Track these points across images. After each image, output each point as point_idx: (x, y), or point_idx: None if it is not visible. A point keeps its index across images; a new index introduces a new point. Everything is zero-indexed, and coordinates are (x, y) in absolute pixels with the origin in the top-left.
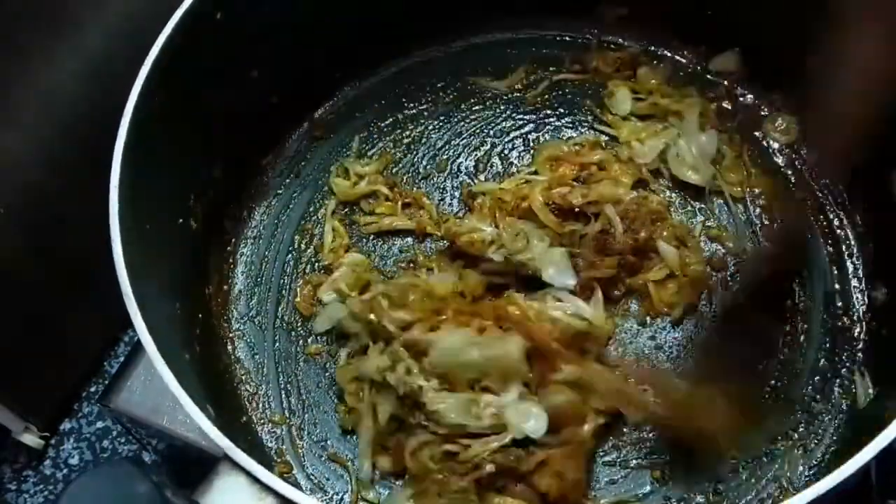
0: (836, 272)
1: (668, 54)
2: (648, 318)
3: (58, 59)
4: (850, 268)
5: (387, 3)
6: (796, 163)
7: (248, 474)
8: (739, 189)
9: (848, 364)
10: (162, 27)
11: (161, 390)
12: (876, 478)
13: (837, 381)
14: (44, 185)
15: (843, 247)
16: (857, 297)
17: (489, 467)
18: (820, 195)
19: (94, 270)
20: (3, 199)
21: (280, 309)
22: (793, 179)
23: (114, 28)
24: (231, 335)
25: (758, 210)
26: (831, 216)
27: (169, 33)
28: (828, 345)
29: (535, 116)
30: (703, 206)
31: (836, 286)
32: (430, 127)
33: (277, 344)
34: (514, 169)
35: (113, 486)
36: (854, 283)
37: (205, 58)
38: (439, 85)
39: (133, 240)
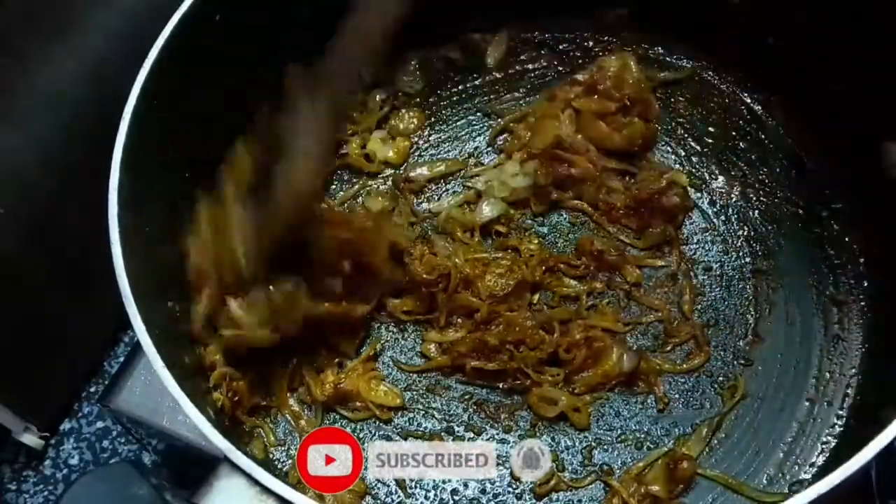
0: (834, 271)
1: (667, 55)
2: None
3: (58, 59)
4: (849, 266)
5: None
6: (795, 162)
7: (248, 476)
8: (739, 187)
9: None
10: (162, 27)
11: (161, 391)
12: (876, 478)
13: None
14: (44, 185)
15: (844, 246)
16: (851, 299)
17: None
18: (819, 194)
19: (94, 270)
20: (3, 199)
21: None
22: (791, 179)
23: (114, 28)
24: None
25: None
26: (831, 214)
27: (169, 33)
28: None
29: None
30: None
31: (833, 285)
32: (427, 131)
33: None
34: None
35: (112, 488)
36: (852, 282)
37: (204, 58)
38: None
39: (133, 240)
